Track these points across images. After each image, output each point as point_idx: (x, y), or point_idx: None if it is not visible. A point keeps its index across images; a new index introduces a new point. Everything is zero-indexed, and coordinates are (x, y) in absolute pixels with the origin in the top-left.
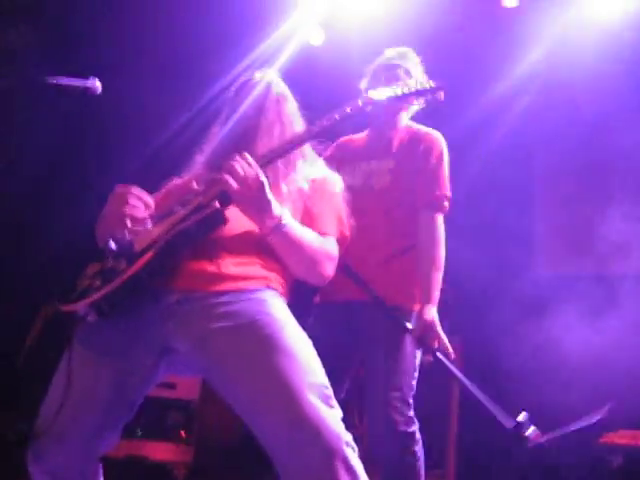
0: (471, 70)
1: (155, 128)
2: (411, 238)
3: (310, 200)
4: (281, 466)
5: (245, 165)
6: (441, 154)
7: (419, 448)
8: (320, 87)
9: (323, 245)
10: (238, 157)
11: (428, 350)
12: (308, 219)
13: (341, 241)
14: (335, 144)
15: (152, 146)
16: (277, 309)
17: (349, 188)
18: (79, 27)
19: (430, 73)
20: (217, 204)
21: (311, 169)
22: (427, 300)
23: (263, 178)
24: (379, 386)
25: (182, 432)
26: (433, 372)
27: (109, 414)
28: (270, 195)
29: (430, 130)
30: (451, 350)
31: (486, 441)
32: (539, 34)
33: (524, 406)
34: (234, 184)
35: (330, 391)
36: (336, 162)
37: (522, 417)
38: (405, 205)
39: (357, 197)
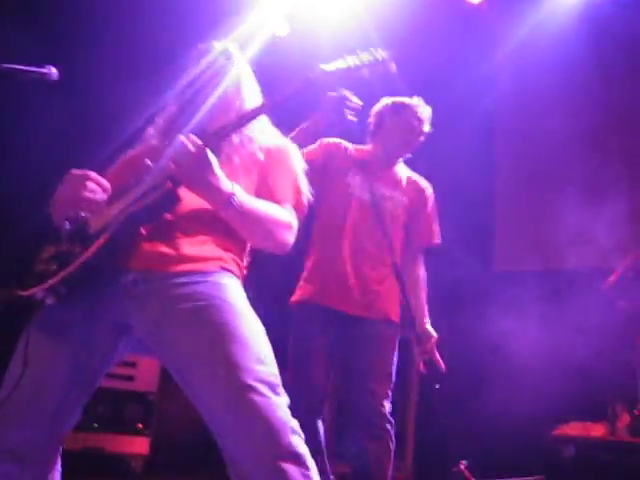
0: (435, 63)
1: (127, 125)
2: (394, 266)
3: (265, 170)
4: (228, 453)
5: (188, 145)
6: (434, 204)
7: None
8: (285, 78)
9: (278, 214)
10: (181, 138)
11: (425, 360)
12: (264, 189)
13: (298, 209)
14: (331, 142)
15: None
16: (233, 295)
17: (350, 195)
18: (60, 26)
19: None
20: (169, 184)
21: (267, 140)
22: (427, 321)
23: (209, 156)
24: (376, 378)
25: (140, 424)
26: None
27: (69, 393)
28: (218, 171)
29: (425, 181)
30: (442, 364)
31: (443, 434)
32: (504, 31)
33: (478, 403)
34: (176, 166)
35: (278, 379)
36: (328, 156)
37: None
38: (402, 238)
39: (365, 211)
